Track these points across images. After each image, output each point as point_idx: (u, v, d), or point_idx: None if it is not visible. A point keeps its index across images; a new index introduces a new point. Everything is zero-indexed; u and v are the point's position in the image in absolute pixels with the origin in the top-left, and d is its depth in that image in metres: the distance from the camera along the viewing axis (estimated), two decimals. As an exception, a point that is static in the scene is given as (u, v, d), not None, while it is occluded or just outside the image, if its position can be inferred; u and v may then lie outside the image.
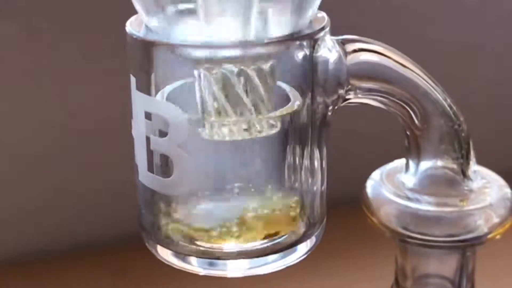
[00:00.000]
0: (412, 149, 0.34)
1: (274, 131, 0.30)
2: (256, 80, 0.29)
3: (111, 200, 0.57)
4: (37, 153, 0.55)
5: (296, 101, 0.30)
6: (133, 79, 0.30)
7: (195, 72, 0.29)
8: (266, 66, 0.29)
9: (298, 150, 0.30)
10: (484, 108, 0.63)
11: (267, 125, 0.30)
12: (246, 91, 0.29)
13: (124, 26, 0.30)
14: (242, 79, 0.29)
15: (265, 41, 0.29)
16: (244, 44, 0.29)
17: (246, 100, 0.29)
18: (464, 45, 0.62)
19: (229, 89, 0.29)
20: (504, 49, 0.63)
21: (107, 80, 0.55)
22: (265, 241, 0.30)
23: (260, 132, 0.30)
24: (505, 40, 0.63)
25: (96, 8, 0.53)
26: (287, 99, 0.30)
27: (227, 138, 0.29)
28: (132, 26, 0.30)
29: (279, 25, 0.29)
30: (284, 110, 0.30)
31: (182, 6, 0.29)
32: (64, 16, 0.53)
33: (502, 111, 0.65)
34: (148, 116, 0.29)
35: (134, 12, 0.31)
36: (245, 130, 0.29)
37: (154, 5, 0.29)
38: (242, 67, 0.29)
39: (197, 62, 0.29)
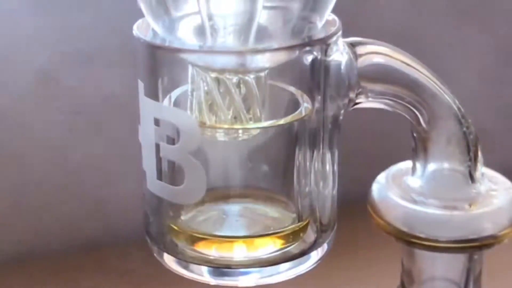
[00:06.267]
0: (419, 151, 0.33)
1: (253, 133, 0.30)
2: (253, 86, 0.29)
3: (112, 200, 0.57)
4: (38, 152, 0.55)
5: (303, 108, 0.29)
6: (141, 84, 0.29)
7: (191, 72, 0.29)
8: (264, 74, 0.29)
9: (309, 153, 0.30)
10: (484, 108, 0.63)
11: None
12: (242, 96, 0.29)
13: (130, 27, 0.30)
14: (240, 84, 0.29)
15: (276, 47, 0.28)
16: (253, 50, 0.28)
17: (240, 105, 0.29)
18: (464, 44, 0.62)
19: (225, 92, 0.29)
20: (504, 49, 0.63)
21: (109, 80, 0.54)
22: (276, 249, 0.30)
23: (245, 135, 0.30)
24: (505, 39, 0.63)
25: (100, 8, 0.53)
26: (296, 104, 0.30)
27: (220, 138, 0.29)
28: (139, 30, 0.29)
29: (289, 30, 0.29)
30: (289, 118, 0.29)
31: (186, 10, 0.29)
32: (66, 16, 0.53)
33: (502, 111, 0.65)
34: (156, 122, 0.29)
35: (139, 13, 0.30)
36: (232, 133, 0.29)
37: (158, 7, 0.29)
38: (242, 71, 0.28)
39: (203, 67, 0.29)
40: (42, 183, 0.56)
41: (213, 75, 0.29)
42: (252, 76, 0.29)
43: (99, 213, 0.57)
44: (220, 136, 0.29)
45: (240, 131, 0.29)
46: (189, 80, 0.29)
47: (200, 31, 0.28)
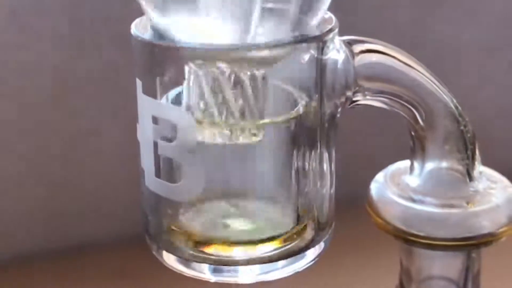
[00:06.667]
0: (417, 150, 0.33)
1: (254, 140, 0.29)
2: (247, 85, 0.29)
3: (111, 200, 0.57)
4: (37, 153, 0.55)
5: (301, 106, 0.29)
6: (139, 83, 0.29)
7: (186, 68, 0.29)
8: (259, 73, 0.29)
9: (306, 152, 0.30)
10: (484, 107, 0.63)
11: (248, 133, 0.29)
12: (236, 95, 0.29)
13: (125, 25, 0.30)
14: (232, 82, 0.28)
15: (273, 44, 0.28)
16: (249, 46, 0.28)
17: (233, 104, 0.29)
18: (464, 44, 0.62)
19: (217, 90, 0.28)
20: (504, 48, 0.63)
21: (108, 80, 0.54)
22: (275, 247, 0.30)
23: (238, 138, 0.29)
24: (505, 39, 0.63)
25: (99, 8, 0.53)
26: (294, 103, 0.30)
27: (206, 140, 0.29)
28: (137, 28, 0.29)
29: (287, 26, 0.29)
30: (283, 117, 0.29)
31: (185, 4, 0.29)
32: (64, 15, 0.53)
33: (502, 111, 0.65)
34: (154, 120, 0.29)
35: (137, 12, 0.30)
36: (226, 134, 0.29)
37: (157, 4, 0.29)
38: (236, 70, 0.28)
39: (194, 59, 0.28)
40: (41, 182, 0.56)
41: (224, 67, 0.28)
42: (259, 72, 0.29)
43: (99, 213, 0.57)
44: (222, 138, 0.29)
45: (239, 134, 0.29)
46: (185, 82, 0.29)
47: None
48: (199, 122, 0.29)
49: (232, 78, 0.29)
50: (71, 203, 0.56)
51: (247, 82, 0.29)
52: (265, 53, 0.28)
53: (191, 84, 0.29)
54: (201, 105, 0.29)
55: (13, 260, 0.55)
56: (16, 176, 0.55)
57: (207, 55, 0.28)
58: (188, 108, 0.29)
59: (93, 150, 0.56)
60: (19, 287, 0.54)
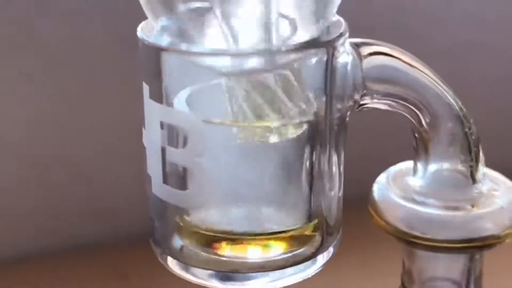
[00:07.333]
0: (420, 151, 0.33)
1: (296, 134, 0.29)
2: (277, 86, 0.29)
3: (111, 200, 0.57)
4: (37, 153, 0.55)
5: (314, 108, 0.29)
6: (146, 87, 0.29)
7: (223, 81, 0.28)
8: (294, 68, 0.29)
9: (315, 155, 0.30)
10: (484, 108, 0.63)
11: (293, 129, 0.29)
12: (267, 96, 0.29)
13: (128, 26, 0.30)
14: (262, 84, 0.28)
15: (284, 49, 0.28)
16: (263, 52, 0.28)
17: (268, 106, 0.29)
18: (464, 45, 0.62)
19: (252, 96, 0.28)
20: (504, 49, 0.63)
21: (109, 81, 0.54)
22: (284, 252, 0.30)
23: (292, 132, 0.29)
24: (505, 40, 0.63)
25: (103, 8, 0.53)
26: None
27: (262, 140, 0.29)
28: (144, 31, 0.29)
29: (297, 31, 0.29)
30: (304, 117, 0.29)
31: (194, 5, 0.28)
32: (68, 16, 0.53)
33: (502, 111, 0.65)
34: (162, 125, 0.28)
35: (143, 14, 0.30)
36: (277, 132, 0.29)
37: (163, 6, 0.28)
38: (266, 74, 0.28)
39: (214, 70, 0.28)
40: (42, 182, 0.56)
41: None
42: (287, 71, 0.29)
43: (99, 212, 0.57)
44: (274, 138, 0.29)
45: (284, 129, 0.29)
46: (226, 93, 0.29)
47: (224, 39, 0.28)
48: (243, 125, 0.28)
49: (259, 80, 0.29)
50: (71, 203, 0.56)
51: (275, 82, 0.28)
52: (277, 57, 0.28)
53: (226, 95, 0.28)
54: (240, 114, 0.28)
55: (13, 260, 0.55)
56: (16, 176, 0.55)
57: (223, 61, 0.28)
58: (241, 115, 0.29)
59: (94, 150, 0.56)
60: (19, 287, 0.54)
